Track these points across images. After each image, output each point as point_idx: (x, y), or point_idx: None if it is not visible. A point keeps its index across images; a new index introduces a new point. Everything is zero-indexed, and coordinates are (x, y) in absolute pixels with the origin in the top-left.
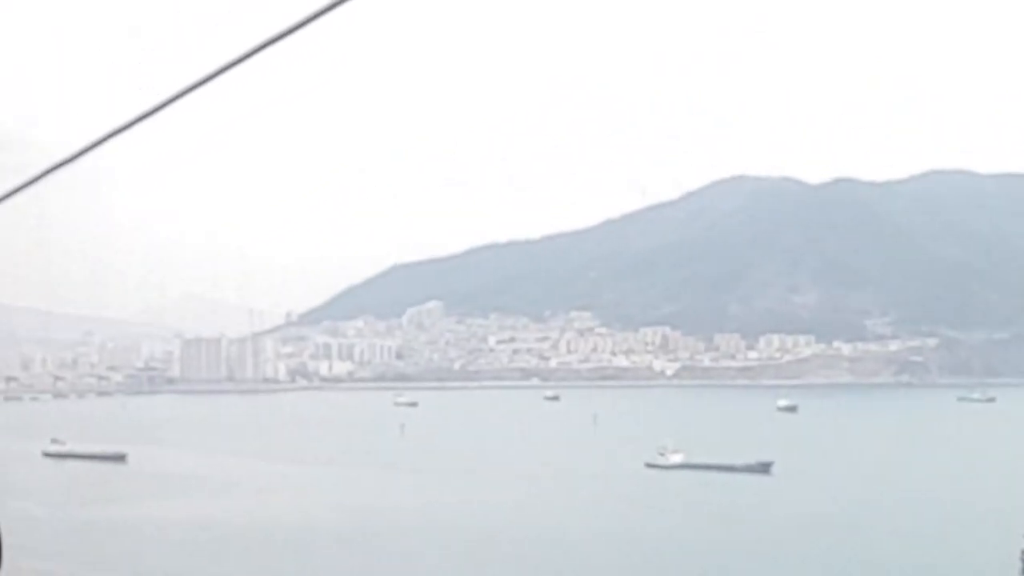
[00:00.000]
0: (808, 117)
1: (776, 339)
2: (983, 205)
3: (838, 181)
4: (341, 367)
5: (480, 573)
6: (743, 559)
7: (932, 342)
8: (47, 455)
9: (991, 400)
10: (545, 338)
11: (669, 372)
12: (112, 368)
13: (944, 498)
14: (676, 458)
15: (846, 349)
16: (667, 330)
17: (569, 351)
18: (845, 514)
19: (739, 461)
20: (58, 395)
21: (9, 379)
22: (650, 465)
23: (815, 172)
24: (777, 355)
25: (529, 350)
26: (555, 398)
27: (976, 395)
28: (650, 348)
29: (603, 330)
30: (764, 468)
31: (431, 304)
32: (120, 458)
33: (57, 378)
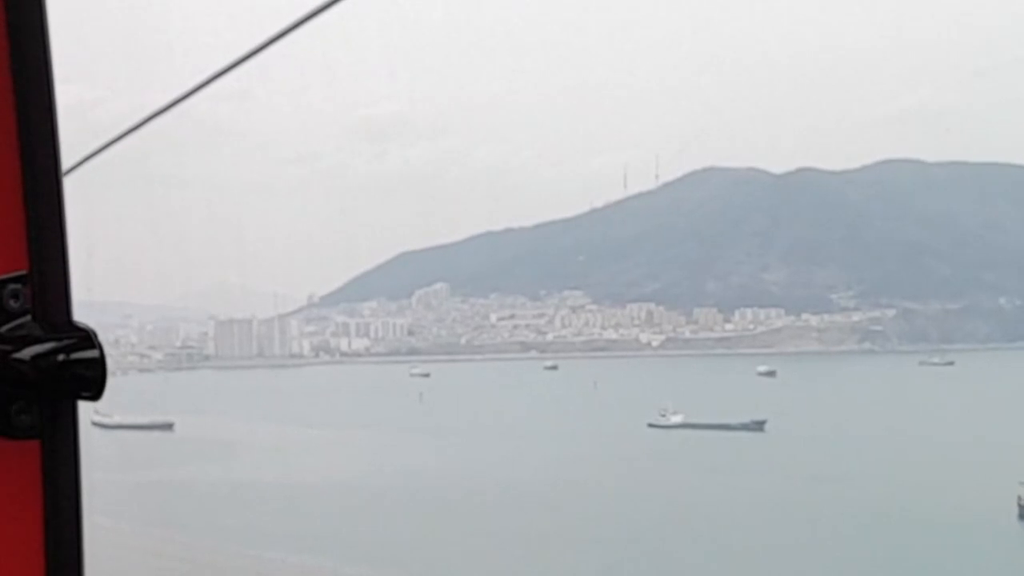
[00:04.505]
0: (770, 113)
1: (750, 312)
2: (932, 190)
3: (800, 171)
4: (359, 343)
5: (507, 519)
6: (751, 507)
7: (891, 313)
8: (95, 424)
9: (950, 364)
10: (541, 315)
11: (655, 343)
12: (152, 347)
13: (919, 445)
14: (676, 418)
15: (814, 320)
16: (651, 306)
17: (563, 326)
18: (839, 464)
19: (735, 420)
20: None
21: None
22: (652, 425)
23: (779, 163)
24: (751, 327)
25: (527, 325)
26: (554, 367)
27: (936, 359)
28: (636, 322)
29: (593, 307)
30: (758, 426)
31: (437, 286)
32: (168, 427)
33: None
